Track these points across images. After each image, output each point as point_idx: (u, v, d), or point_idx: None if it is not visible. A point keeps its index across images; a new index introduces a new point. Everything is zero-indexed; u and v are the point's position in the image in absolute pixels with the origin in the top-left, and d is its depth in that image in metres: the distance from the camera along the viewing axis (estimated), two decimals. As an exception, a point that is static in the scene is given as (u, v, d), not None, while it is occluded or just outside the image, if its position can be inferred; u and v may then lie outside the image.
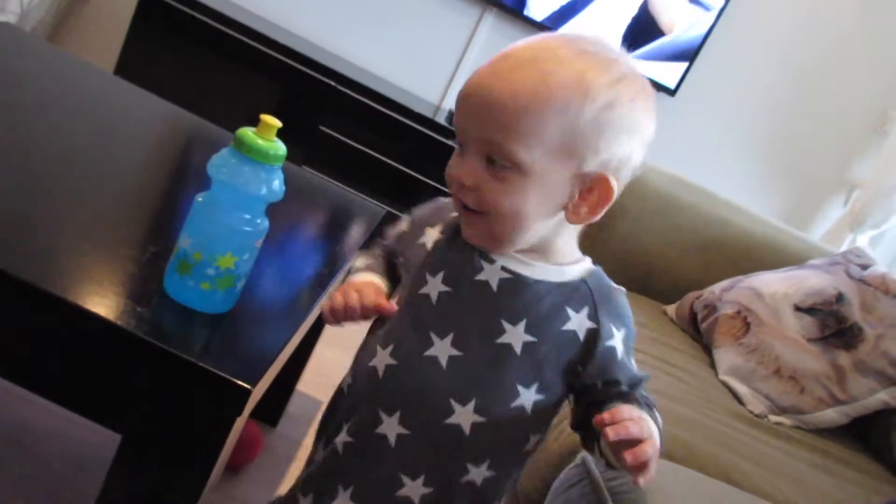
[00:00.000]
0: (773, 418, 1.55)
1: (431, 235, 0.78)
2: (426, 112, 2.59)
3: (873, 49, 2.73)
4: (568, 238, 0.75)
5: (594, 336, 0.73)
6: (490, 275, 0.73)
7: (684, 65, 2.72)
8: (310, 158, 2.55)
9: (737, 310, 1.76)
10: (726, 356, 1.70)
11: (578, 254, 0.77)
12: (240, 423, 0.77)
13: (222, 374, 0.72)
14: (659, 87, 2.75)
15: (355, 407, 0.76)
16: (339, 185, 2.28)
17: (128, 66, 2.50)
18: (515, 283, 0.73)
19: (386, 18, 2.83)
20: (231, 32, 2.49)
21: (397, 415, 0.73)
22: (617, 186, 0.71)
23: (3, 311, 0.76)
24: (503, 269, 0.73)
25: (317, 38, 2.84)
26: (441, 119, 2.60)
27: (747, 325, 1.73)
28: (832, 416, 1.58)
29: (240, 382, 0.72)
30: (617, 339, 0.74)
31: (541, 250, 0.74)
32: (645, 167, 0.75)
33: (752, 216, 2.08)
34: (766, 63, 2.78)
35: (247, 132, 0.76)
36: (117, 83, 1.48)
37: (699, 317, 1.84)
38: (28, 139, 1.05)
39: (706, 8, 2.66)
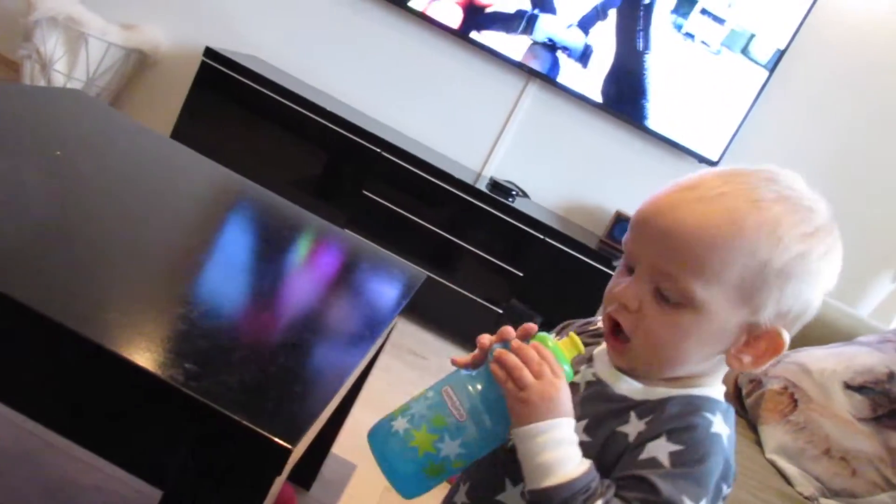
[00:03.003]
0: (824, 501, 1.49)
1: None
2: (468, 179, 2.63)
3: (921, 124, 2.71)
4: (715, 374, 0.70)
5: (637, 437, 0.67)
6: (582, 377, 0.73)
7: (729, 134, 2.72)
8: (352, 221, 2.60)
9: (784, 385, 1.71)
10: (773, 434, 1.64)
11: (711, 384, 0.70)
12: (279, 482, 0.77)
13: (264, 433, 0.72)
14: (700, 158, 2.76)
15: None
16: (380, 248, 2.31)
17: (184, 130, 2.61)
18: (600, 389, 0.72)
19: (433, 87, 2.91)
20: (282, 100, 2.58)
21: (468, 485, 0.77)
22: (788, 339, 0.66)
23: (53, 360, 0.79)
24: (594, 374, 0.72)
25: (365, 106, 2.93)
26: (482, 186, 2.64)
27: (795, 402, 1.67)
28: (886, 501, 1.51)
29: (281, 442, 0.72)
30: (654, 445, 0.65)
31: (677, 380, 0.69)
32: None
33: (798, 290, 2.04)
34: (814, 134, 2.77)
35: (551, 338, 0.69)
36: (173, 146, 1.54)
37: (744, 391, 1.80)
38: (87, 197, 1.10)
39: (760, 65, 2.68)
